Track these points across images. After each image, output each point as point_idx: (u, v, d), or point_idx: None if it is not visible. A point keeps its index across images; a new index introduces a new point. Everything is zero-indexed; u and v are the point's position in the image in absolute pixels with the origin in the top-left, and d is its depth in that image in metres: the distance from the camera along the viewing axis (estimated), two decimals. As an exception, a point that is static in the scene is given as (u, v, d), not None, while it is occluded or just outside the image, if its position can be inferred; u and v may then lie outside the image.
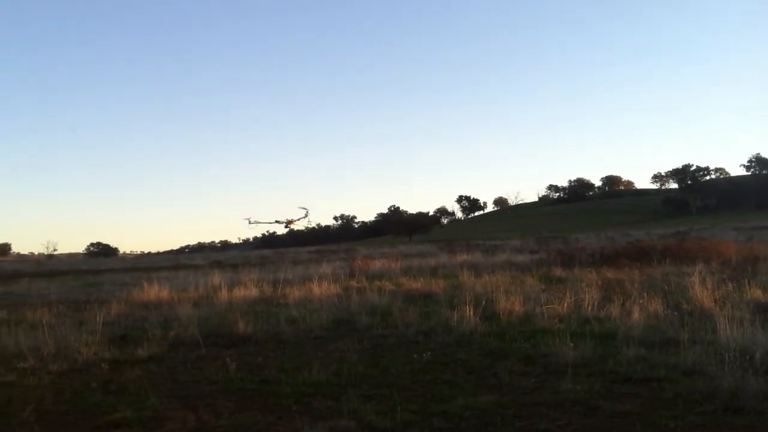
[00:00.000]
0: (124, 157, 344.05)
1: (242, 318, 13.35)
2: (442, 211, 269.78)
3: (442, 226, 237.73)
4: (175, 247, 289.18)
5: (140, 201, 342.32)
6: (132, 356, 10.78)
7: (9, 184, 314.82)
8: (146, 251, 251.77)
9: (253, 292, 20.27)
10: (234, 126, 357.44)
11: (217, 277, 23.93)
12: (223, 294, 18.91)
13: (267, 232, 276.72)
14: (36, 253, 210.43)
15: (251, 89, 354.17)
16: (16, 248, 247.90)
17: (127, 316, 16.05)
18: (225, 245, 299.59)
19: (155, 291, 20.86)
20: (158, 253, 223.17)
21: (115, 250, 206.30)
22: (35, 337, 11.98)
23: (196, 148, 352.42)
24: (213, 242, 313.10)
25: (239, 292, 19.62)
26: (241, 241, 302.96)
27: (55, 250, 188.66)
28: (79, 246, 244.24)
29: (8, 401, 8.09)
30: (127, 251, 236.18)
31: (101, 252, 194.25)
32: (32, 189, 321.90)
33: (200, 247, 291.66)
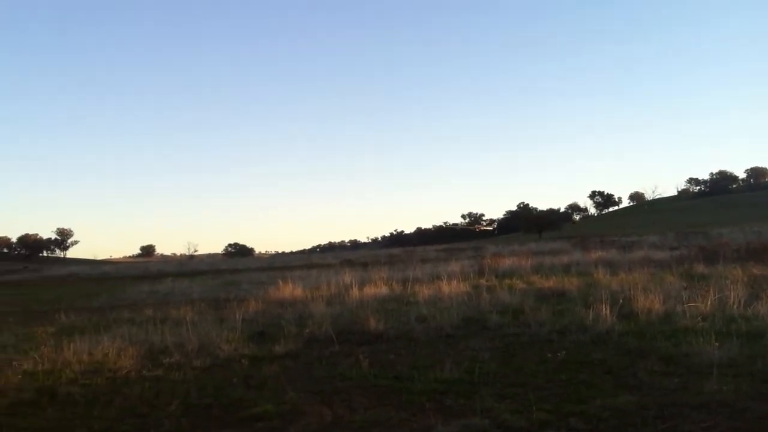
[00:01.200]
0: (260, 162, 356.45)
1: (373, 316, 13.52)
2: (574, 207, 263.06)
3: (574, 222, 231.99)
4: (307, 246, 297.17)
5: (274, 202, 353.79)
6: (270, 352, 11.14)
7: (153, 188, 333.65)
8: (280, 251, 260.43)
9: (383, 290, 20.49)
10: (366, 130, 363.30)
11: (348, 276, 24.39)
12: (354, 292, 19.22)
13: (395, 231, 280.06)
14: (178, 254, 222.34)
15: (390, 92, 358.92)
16: (159, 249, 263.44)
17: (264, 314, 16.61)
18: (355, 244, 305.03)
19: (290, 289, 21.49)
20: (291, 253, 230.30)
21: (251, 250, 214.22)
22: (179, 334, 12.63)
23: (327, 150, 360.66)
24: (343, 241, 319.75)
25: (370, 290, 19.89)
26: (370, 240, 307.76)
27: (195, 250, 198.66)
28: (218, 246, 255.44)
29: (156, 395, 8.54)
30: (263, 251, 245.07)
31: (238, 252, 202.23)
32: (174, 193, 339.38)
33: (331, 247, 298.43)
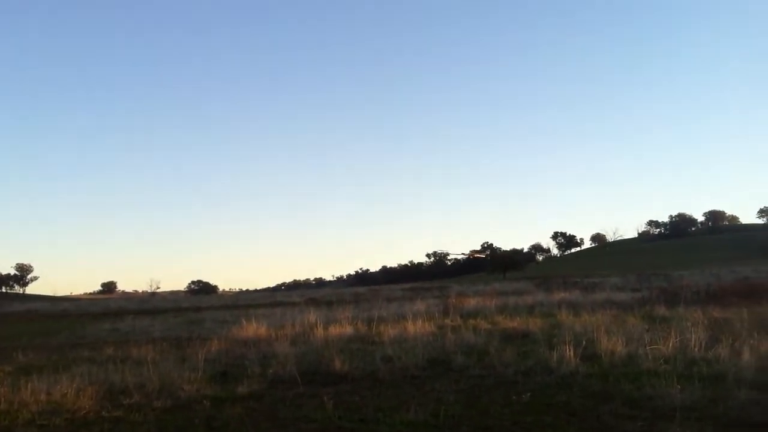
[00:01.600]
0: (223, 198, 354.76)
1: (338, 356, 13.43)
2: (537, 248, 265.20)
3: (538, 263, 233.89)
4: (272, 284, 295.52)
5: (239, 240, 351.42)
6: (233, 393, 10.99)
7: (115, 225, 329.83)
8: (244, 289, 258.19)
9: (348, 329, 20.39)
10: (330, 167, 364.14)
11: (312, 315, 24.23)
12: (319, 331, 19.11)
13: (360, 269, 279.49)
14: (140, 290, 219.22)
15: (343, 128, 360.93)
16: (121, 286, 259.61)
17: (227, 353, 16.41)
18: (320, 282, 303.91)
19: (254, 328, 21.30)
20: (255, 291, 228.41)
21: (215, 287, 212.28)
22: (140, 374, 12.40)
23: (289, 188, 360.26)
24: (308, 279, 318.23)
25: (335, 330, 19.78)
26: (335, 279, 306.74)
27: (158, 287, 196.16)
28: (181, 284, 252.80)
29: (116, 436, 8.36)
30: (227, 289, 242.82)
31: (202, 289, 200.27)
32: (136, 229, 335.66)
33: (295, 285, 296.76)
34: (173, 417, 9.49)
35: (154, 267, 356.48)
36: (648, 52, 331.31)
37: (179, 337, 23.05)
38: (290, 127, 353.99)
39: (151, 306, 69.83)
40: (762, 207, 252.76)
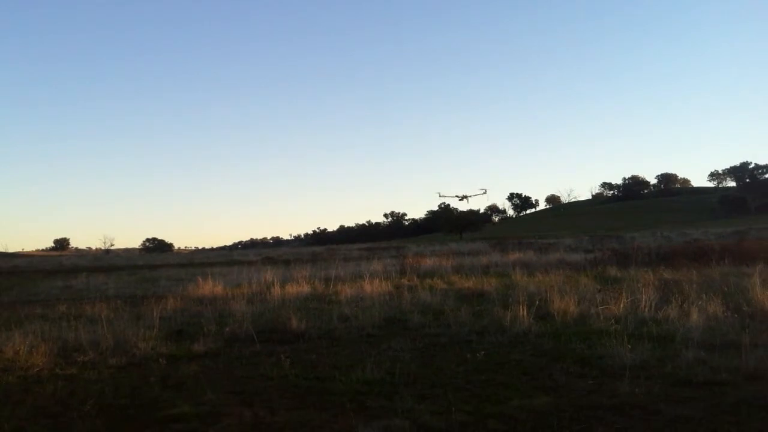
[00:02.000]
0: (179, 154, 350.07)
1: (295, 315, 13.46)
2: (494, 209, 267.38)
3: (494, 223, 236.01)
4: (228, 242, 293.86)
5: (195, 197, 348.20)
6: (189, 351, 10.96)
7: (68, 181, 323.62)
8: (200, 247, 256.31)
9: (306, 288, 20.41)
10: (289, 128, 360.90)
11: (269, 274, 24.17)
12: (276, 290, 19.09)
13: (318, 228, 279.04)
14: (93, 248, 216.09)
15: (291, 91, 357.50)
16: (74, 243, 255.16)
17: (183, 312, 16.31)
18: (277, 241, 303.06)
19: (210, 287, 21.18)
20: (212, 249, 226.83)
21: (171, 245, 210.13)
22: (94, 332, 12.29)
23: (245, 146, 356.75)
24: (265, 238, 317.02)
25: (292, 289, 19.78)
26: (292, 238, 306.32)
27: (112, 245, 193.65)
28: (135, 241, 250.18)
29: (70, 394, 8.29)
30: (182, 247, 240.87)
31: (157, 247, 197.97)
32: (90, 185, 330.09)
33: (253, 243, 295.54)
34: (128, 375, 9.44)
35: (108, 224, 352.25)
36: (601, 16, 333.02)
37: (134, 295, 22.81)
38: (244, 81, 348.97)
39: (105, 263, 68.96)
40: (713, 170, 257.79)
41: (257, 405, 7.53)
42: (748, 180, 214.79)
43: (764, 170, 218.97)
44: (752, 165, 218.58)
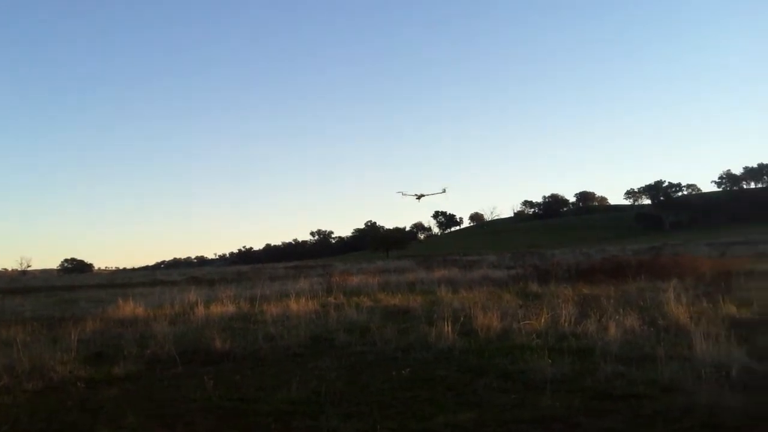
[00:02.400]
0: (99, 171, 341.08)
1: (219, 335, 13.27)
2: (419, 227, 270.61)
3: (420, 241, 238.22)
4: (151, 262, 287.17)
5: (116, 216, 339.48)
6: (108, 374, 10.67)
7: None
8: (122, 267, 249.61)
9: (231, 308, 20.13)
10: (215, 144, 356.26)
11: (193, 294, 23.78)
12: (200, 310, 18.77)
13: (244, 247, 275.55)
14: (9, 269, 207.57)
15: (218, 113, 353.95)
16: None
17: (102, 334, 15.89)
18: (202, 261, 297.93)
19: (131, 308, 20.67)
20: (134, 269, 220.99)
21: (90, 266, 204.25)
22: (9, 355, 11.82)
23: (168, 165, 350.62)
24: (189, 258, 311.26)
25: (216, 309, 19.49)
26: (217, 257, 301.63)
27: (28, 266, 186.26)
28: (53, 262, 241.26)
29: (-18, 421, 7.95)
30: (103, 267, 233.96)
31: (76, 268, 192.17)
32: (5, 204, 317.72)
33: (176, 263, 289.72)
34: (45, 399, 9.15)
35: (24, 244, 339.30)
36: (514, 45, 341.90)
37: (52, 318, 21.98)
38: (165, 102, 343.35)
39: (21, 285, 66.69)
40: (628, 189, 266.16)
41: (179, 428, 7.38)
42: (662, 198, 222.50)
43: (677, 188, 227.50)
44: (666, 183, 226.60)
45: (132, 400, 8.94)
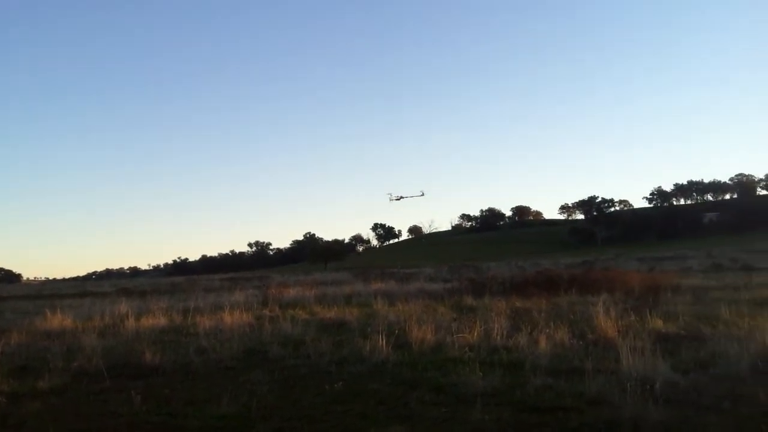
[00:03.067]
0: (29, 180, 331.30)
1: (149, 348, 13.02)
2: (358, 239, 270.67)
3: (358, 253, 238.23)
4: (82, 273, 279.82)
5: (46, 226, 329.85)
6: (32, 388, 10.35)
7: None
8: (51, 278, 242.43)
9: (162, 321, 19.76)
10: (147, 153, 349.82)
11: (124, 306, 23.25)
12: (131, 323, 18.35)
13: (178, 258, 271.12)
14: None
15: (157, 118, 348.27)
16: None
17: (27, 346, 15.39)
18: (134, 272, 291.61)
19: (59, 320, 20.11)
20: (64, 280, 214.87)
21: (18, 276, 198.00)
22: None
23: (106, 173, 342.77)
24: (122, 268, 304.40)
25: (147, 321, 19.10)
26: (151, 268, 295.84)
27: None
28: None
29: None
30: (32, 277, 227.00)
31: (3, 278, 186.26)
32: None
33: (108, 274, 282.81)
34: (-36, 416, 8.80)
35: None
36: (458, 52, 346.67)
37: (-27, 330, 21.26)
38: (97, 110, 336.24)
39: (-59, 295, 63.95)
40: (563, 204, 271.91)
41: (105, 444, 7.21)
42: (595, 213, 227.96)
43: (610, 204, 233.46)
44: (599, 199, 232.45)
45: (56, 414, 8.69)
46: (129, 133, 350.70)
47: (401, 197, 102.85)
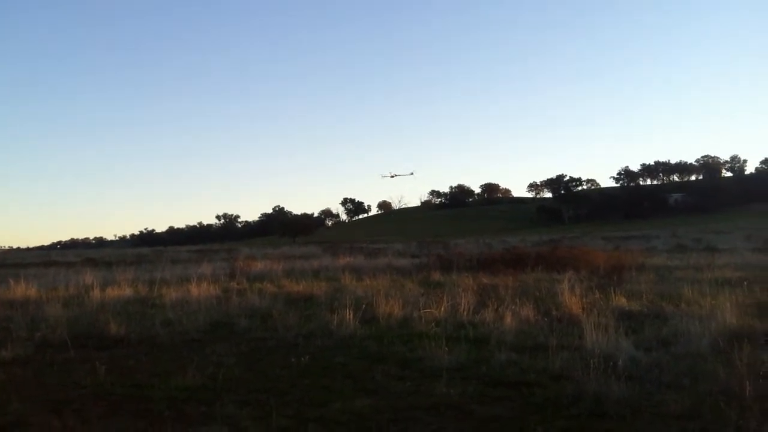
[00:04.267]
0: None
1: (114, 319, 12.93)
2: (327, 213, 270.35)
3: (327, 228, 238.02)
4: (46, 243, 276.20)
5: (11, 194, 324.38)
6: (-6, 358, 10.22)
7: None
8: (15, 246, 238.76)
9: (128, 292, 19.60)
10: (116, 122, 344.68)
11: (89, 276, 23.01)
12: (96, 293, 18.17)
13: (145, 230, 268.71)
14: None
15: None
16: None
17: (-11, 316, 15.16)
18: (100, 242, 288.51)
19: (22, 289, 19.82)
20: (28, 249, 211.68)
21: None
22: None
23: (73, 142, 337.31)
24: (87, 239, 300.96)
25: (113, 292, 18.92)
26: (117, 238, 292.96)
27: None
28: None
29: None
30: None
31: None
32: None
33: (73, 244, 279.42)
34: None
35: None
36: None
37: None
38: (64, 79, 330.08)
39: None
40: (531, 182, 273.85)
41: (67, 414, 7.15)
42: (563, 192, 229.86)
43: (578, 183, 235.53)
44: (567, 178, 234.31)
45: (19, 385, 8.61)
46: (97, 103, 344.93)
47: (395, 175, 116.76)
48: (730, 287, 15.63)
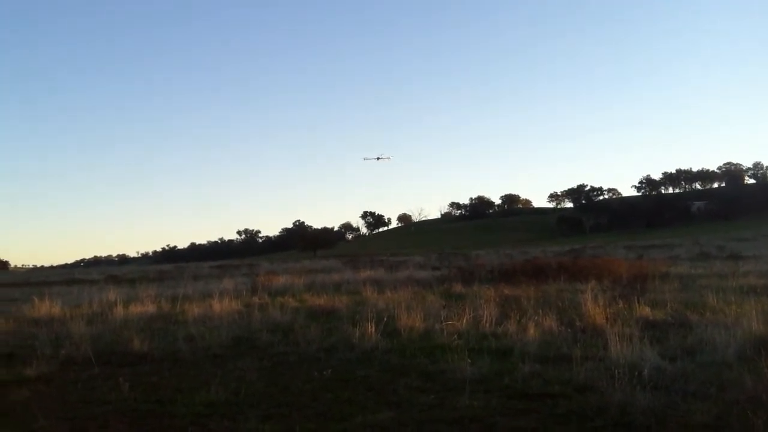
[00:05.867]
0: (16, 167, 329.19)
1: (138, 335, 12.98)
2: (347, 227, 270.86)
3: (348, 241, 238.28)
4: (70, 260, 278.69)
5: (35, 212, 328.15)
6: (19, 376, 10.32)
7: None
8: (39, 265, 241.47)
9: (151, 308, 19.68)
10: (137, 140, 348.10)
11: (112, 293, 23.14)
12: (119, 310, 18.27)
13: (167, 246, 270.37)
14: None
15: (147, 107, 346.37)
16: None
17: (15, 334, 15.38)
18: (123, 259, 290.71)
19: (46, 307, 19.98)
20: (52, 267, 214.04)
21: (6, 263, 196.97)
22: None
23: (95, 160, 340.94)
24: (110, 256, 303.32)
25: (135, 309, 19.02)
26: (140, 255, 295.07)
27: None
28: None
29: None
30: (19, 265, 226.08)
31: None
32: None
33: (96, 261, 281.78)
34: (-50, 403, 8.75)
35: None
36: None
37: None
38: (80, 97, 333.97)
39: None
40: (552, 192, 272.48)
41: (91, 430, 7.19)
42: (583, 201, 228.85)
43: (599, 192, 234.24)
44: (588, 187, 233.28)
45: (44, 402, 8.66)
46: (119, 121, 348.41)
47: (379, 158, 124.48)
48: (755, 295, 15.45)
